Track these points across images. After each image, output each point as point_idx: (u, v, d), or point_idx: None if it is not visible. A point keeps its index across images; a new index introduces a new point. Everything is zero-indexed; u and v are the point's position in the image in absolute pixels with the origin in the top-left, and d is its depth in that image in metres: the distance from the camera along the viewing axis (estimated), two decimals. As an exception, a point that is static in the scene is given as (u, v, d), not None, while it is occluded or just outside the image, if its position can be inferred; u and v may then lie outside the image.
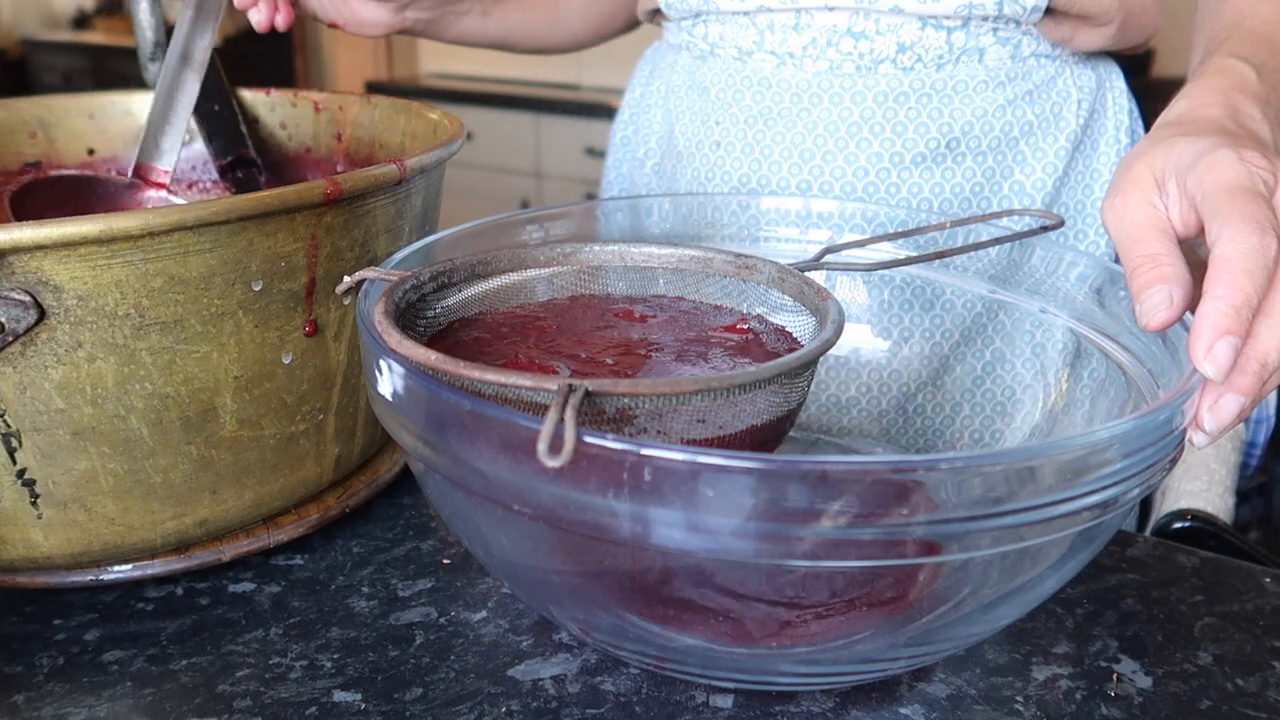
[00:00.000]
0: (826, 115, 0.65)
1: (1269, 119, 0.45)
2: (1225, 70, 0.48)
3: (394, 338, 0.36)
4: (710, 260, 0.47)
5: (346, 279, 0.41)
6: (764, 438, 0.38)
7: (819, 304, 0.42)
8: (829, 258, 0.47)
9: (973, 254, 0.53)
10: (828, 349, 0.38)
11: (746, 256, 0.46)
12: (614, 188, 0.82)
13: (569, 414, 0.30)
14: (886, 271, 0.56)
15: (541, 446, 0.29)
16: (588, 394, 0.32)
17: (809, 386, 0.41)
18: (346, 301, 0.46)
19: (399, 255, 0.45)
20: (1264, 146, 0.42)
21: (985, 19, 0.61)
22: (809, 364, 0.38)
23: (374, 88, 3.09)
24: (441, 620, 0.45)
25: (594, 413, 0.34)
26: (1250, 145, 0.40)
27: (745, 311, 0.46)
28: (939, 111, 0.64)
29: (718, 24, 0.67)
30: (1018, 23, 0.62)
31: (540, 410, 0.35)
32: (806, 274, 0.45)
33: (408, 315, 0.41)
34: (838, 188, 0.66)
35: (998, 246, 0.52)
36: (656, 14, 0.75)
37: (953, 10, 0.61)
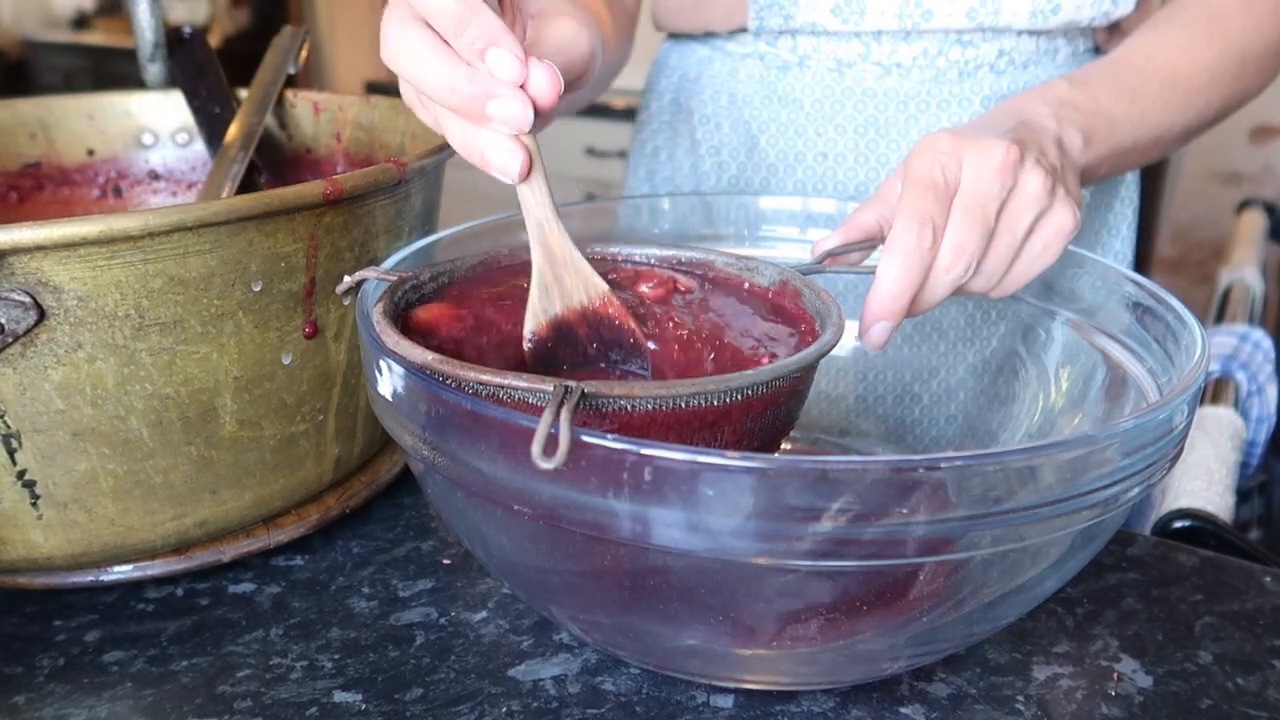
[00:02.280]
0: (935, 121, 0.66)
1: (1065, 116, 0.52)
2: (1045, 84, 0.55)
3: (391, 338, 0.36)
4: (711, 262, 0.47)
5: (346, 279, 0.41)
6: (762, 441, 0.38)
7: (820, 307, 0.42)
8: (830, 260, 0.47)
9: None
10: (827, 352, 0.38)
11: (748, 258, 0.46)
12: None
13: (564, 415, 0.30)
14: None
15: (535, 448, 0.29)
16: (584, 395, 0.32)
17: (808, 390, 0.41)
18: (346, 302, 0.46)
19: (399, 255, 0.45)
20: (1030, 130, 0.48)
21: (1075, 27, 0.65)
22: (808, 367, 0.38)
23: (374, 88, 3.09)
24: (442, 620, 0.45)
25: (591, 415, 0.34)
26: (979, 131, 0.46)
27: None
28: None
29: (811, 37, 0.66)
30: (1084, 28, 0.66)
31: (540, 411, 0.35)
32: (808, 276, 0.45)
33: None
34: None
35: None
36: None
37: (1055, 27, 0.64)
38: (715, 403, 0.35)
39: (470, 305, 0.42)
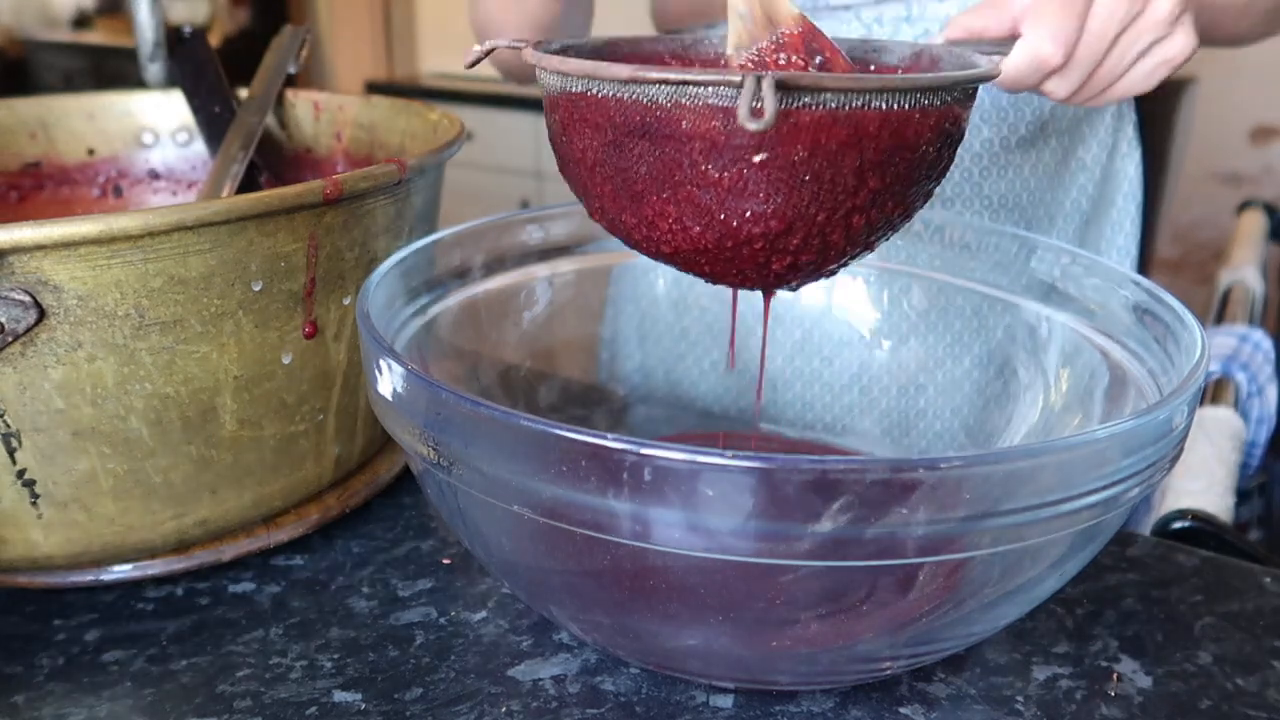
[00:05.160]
0: None
1: None
2: None
3: (552, 61, 0.36)
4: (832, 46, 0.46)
5: (476, 48, 0.41)
6: (914, 194, 0.38)
7: (964, 61, 0.41)
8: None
9: (973, 258, 0.54)
10: (995, 76, 0.38)
11: (872, 40, 0.46)
12: None
13: (767, 84, 0.30)
14: (887, 270, 0.56)
15: (743, 110, 0.30)
16: (777, 84, 0.31)
17: (961, 137, 0.40)
18: (467, 62, 0.43)
19: (399, 255, 0.45)
20: None
21: None
22: (987, 78, 0.37)
23: (374, 87, 3.09)
24: (441, 620, 0.45)
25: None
26: None
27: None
28: (1029, 95, 0.65)
29: (813, 20, 0.66)
30: None
31: (717, 113, 0.34)
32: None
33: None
34: (957, 174, 0.67)
35: (997, 246, 0.53)
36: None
37: None
38: (901, 105, 0.34)
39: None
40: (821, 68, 0.40)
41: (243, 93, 0.65)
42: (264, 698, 0.40)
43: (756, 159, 0.34)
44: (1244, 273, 1.31)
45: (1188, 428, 0.36)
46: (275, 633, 0.44)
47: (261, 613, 0.46)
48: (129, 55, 0.70)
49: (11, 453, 0.41)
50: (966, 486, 0.30)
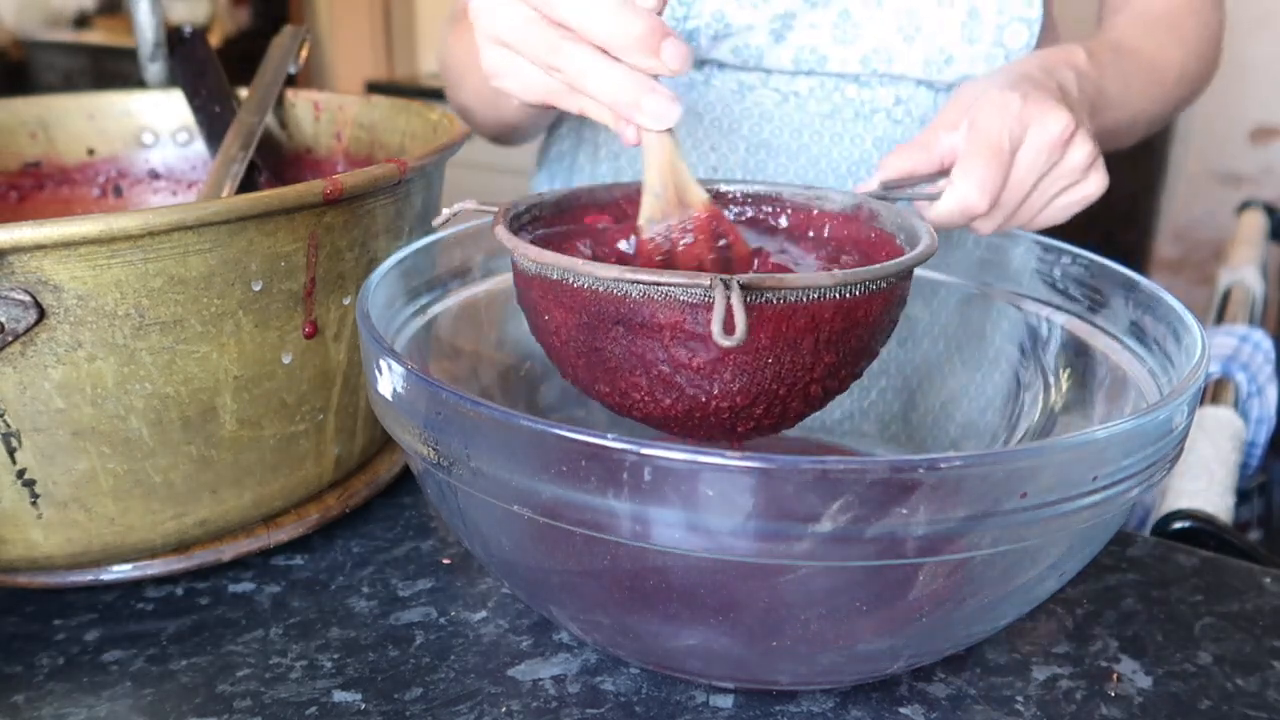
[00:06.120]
0: (828, 153, 0.67)
1: (1082, 86, 0.55)
2: (1063, 49, 0.57)
3: (529, 250, 0.38)
4: (779, 195, 0.48)
5: (445, 210, 0.42)
6: (866, 355, 0.40)
7: (902, 222, 0.43)
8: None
9: (973, 258, 0.54)
10: (933, 254, 0.40)
11: (816, 188, 0.47)
12: None
13: (735, 298, 0.32)
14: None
15: (715, 328, 0.31)
16: (740, 286, 0.33)
17: (903, 308, 0.42)
18: (436, 223, 0.45)
19: (399, 255, 0.45)
20: (1064, 94, 0.52)
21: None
22: (925, 257, 0.39)
23: (374, 88, 3.09)
24: (441, 620, 0.45)
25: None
26: (1038, 91, 0.49)
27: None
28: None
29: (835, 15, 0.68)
30: None
31: (686, 309, 0.36)
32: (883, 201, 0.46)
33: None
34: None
35: (997, 247, 0.53)
36: None
37: (953, 80, 0.65)
38: (852, 294, 0.36)
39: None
40: (724, 249, 0.42)
41: (243, 93, 0.65)
42: (264, 698, 0.40)
43: (723, 349, 0.36)
44: (1244, 273, 1.31)
45: (1188, 428, 0.36)
46: (275, 633, 0.44)
47: (261, 613, 0.46)
48: (129, 55, 0.70)
49: (11, 453, 0.41)
50: (966, 486, 0.30)
